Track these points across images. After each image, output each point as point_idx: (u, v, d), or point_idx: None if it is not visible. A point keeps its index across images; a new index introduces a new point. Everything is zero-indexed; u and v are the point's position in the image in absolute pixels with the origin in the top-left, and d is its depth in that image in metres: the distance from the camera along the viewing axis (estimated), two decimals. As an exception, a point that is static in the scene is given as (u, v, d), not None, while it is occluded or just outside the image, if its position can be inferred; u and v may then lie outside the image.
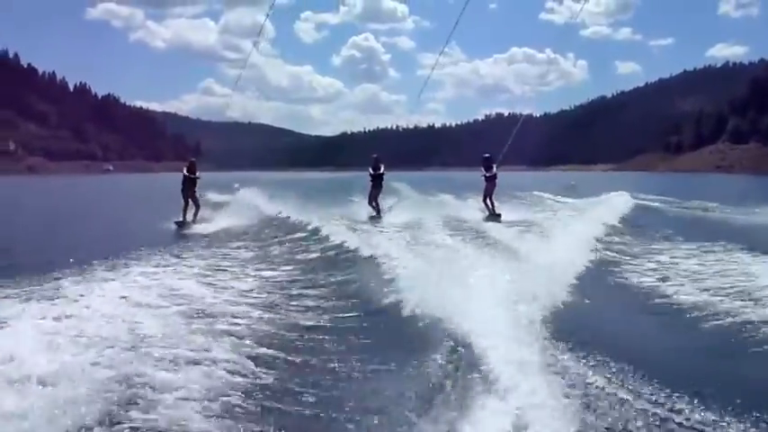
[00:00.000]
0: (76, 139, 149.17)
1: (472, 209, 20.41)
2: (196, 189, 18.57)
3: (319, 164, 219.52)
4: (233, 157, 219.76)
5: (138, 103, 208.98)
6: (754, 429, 3.93)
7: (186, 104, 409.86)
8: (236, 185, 26.06)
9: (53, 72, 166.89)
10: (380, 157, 20.05)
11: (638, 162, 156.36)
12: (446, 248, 11.83)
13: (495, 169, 19.20)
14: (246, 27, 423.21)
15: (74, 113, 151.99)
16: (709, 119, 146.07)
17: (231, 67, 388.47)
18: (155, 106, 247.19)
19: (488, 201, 19.18)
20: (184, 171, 18.64)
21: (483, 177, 19.21)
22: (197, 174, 18.57)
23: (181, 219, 17.81)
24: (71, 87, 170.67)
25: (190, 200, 18.29)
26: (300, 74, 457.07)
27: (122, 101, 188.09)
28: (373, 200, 19.56)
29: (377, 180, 19.44)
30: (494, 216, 18.64)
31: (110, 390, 4.31)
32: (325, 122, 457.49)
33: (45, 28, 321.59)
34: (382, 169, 19.55)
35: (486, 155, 19.67)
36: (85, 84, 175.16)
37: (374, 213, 19.15)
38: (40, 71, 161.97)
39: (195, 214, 18.29)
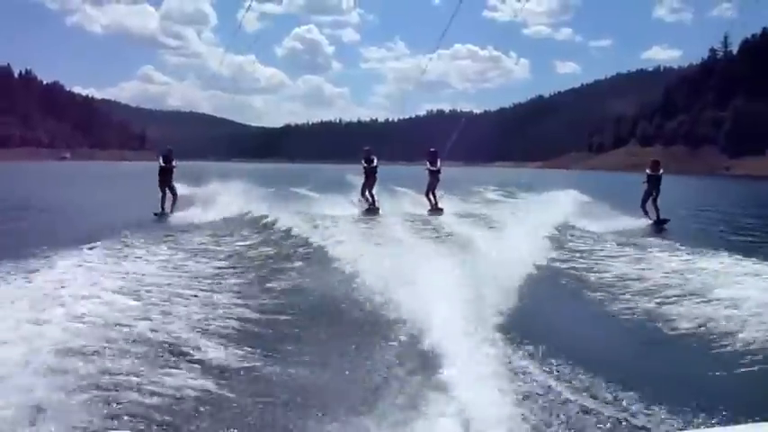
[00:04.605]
0: (23, 127, 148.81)
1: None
2: (173, 179, 18.19)
3: (263, 155, 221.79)
4: (176, 146, 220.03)
5: (76, 90, 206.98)
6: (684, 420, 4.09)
7: (124, 92, 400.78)
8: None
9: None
10: (372, 149, 19.83)
11: (560, 160, 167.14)
12: (406, 243, 11.95)
13: (439, 164, 19.28)
14: (188, 14, 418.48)
15: (20, 101, 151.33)
16: (627, 122, 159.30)
17: (172, 55, 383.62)
18: (92, 93, 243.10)
19: (431, 195, 19.18)
20: (160, 161, 18.35)
21: (427, 171, 19.24)
22: (173, 163, 18.23)
23: (160, 210, 17.55)
24: (16, 74, 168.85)
25: (167, 190, 17.97)
26: (243, 63, 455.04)
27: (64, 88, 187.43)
28: (367, 191, 19.11)
29: (370, 172, 19.07)
30: (436, 210, 18.74)
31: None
32: (267, 113, 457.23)
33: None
34: (375, 162, 19.21)
35: (432, 149, 19.78)
36: (30, 71, 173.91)
37: (366, 206, 18.85)
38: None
39: (173, 204, 17.93)
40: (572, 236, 13.83)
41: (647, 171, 17.87)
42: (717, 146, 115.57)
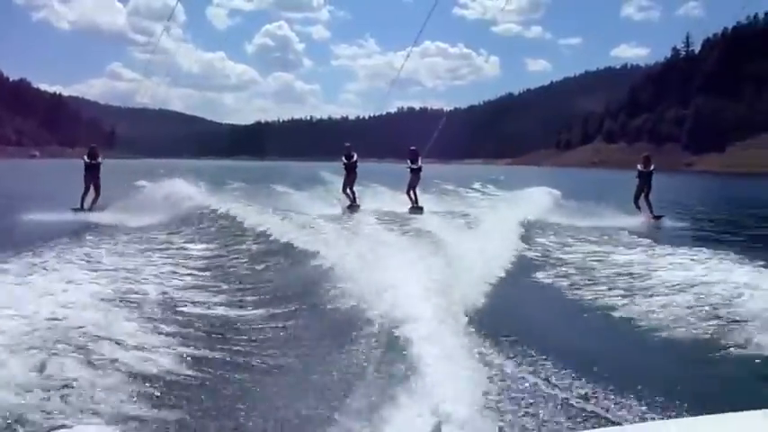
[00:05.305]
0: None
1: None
2: (99, 175, 18.22)
3: (235, 152, 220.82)
4: (145, 143, 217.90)
5: (43, 87, 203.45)
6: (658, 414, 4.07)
7: (93, 89, 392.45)
8: None
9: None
10: (352, 145, 20.30)
11: (529, 157, 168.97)
12: (378, 238, 12.08)
13: (420, 162, 19.47)
14: (156, 10, 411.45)
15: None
16: (594, 119, 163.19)
17: (141, 52, 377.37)
18: (59, 90, 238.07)
19: (412, 193, 19.26)
20: (85, 157, 18.46)
21: (408, 169, 19.41)
22: (99, 159, 18.44)
23: (79, 205, 17.56)
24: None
25: (91, 186, 17.98)
26: (213, 60, 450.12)
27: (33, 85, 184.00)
28: (347, 187, 19.47)
29: (350, 168, 19.54)
30: (416, 209, 18.72)
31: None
32: (237, 110, 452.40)
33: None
34: (355, 158, 19.68)
35: (413, 147, 19.89)
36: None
37: (348, 202, 19.25)
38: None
39: (93, 202, 17.92)
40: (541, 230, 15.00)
41: (639, 167, 18.05)
42: (680, 143, 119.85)
